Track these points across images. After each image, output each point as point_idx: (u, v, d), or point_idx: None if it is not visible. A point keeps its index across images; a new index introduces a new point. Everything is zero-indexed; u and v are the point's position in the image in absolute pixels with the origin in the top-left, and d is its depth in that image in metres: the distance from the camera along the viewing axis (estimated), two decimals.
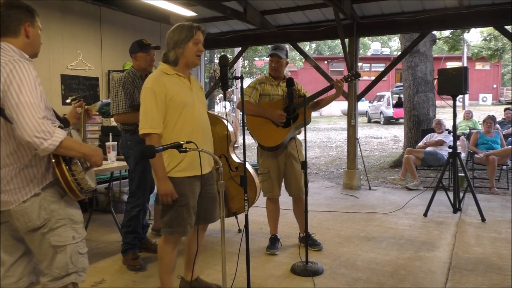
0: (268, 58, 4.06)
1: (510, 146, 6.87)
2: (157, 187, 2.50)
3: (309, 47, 36.10)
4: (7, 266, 1.92)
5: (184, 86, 2.55)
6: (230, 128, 3.94)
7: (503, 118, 9.11)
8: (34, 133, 1.66)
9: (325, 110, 24.37)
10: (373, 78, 6.43)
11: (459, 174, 5.35)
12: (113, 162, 3.74)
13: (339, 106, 24.18)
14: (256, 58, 23.65)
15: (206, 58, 14.71)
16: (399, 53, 9.44)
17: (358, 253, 3.78)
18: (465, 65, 17.15)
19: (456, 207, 5.02)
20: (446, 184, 6.23)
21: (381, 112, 20.24)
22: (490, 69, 28.24)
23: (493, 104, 25.10)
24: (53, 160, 1.82)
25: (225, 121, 3.89)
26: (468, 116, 9.41)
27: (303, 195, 3.68)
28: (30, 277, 1.98)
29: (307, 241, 3.58)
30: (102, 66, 5.79)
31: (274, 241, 3.87)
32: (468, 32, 17.89)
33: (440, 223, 4.71)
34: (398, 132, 14.85)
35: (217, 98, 20.15)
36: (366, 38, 30.10)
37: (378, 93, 21.56)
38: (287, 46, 11.35)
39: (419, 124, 8.49)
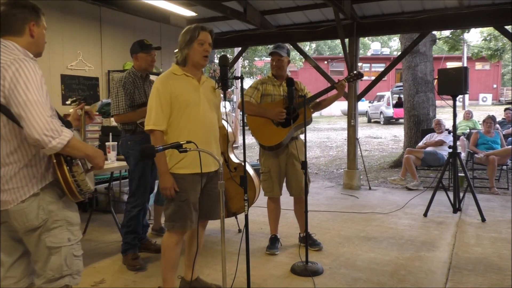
0: (268, 59, 4.06)
1: (510, 146, 6.87)
2: (159, 181, 2.60)
3: (309, 47, 36.09)
4: (7, 267, 1.91)
5: (190, 86, 2.62)
6: (229, 129, 3.94)
7: (503, 118, 9.11)
8: (43, 130, 1.65)
9: (325, 110, 24.22)
10: (373, 78, 6.44)
11: (459, 174, 5.35)
12: (113, 162, 3.74)
13: (339, 106, 24.19)
14: (256, 58, 23.63)
15: None
16: (399, 53, 9.44)
17: (358, 253, 3.78)
18: (465, 65, 17.15)
19: (456, 207, 5.02)
20: (446, 184, 6.22)
21: (381, 112, 20.25)
22: (490, 69, 28.23)
23: (493, 104, 25.10)
24: (54, 160, 1.81)
25: (224, 122, 3.89)
26: (468, 116, 9.41)
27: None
28: (30, 278, 1.97)
29: (307, 241, 3.57)
30: (102, 66, 5.78)
31: (274, 241, 3.87)
32: (468, 32, 17.90)
33: (440, 223, 4.71)
34: (398, 132, 14.85)
35: None
36: (366, 38, 30.11)
37: (378, 93, 21.56)
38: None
39: (419, 124, 8.50)
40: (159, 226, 4.35)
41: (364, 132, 16.14)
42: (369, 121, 21.75)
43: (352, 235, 4.31)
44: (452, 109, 5.03)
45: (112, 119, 4.62)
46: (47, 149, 1.70)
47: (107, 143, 3.82)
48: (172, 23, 6.78)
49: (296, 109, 3.60)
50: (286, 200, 4.02)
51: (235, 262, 2.90)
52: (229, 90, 2.69)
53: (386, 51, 33.75)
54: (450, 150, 5.06)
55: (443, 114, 15.58)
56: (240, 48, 9.18)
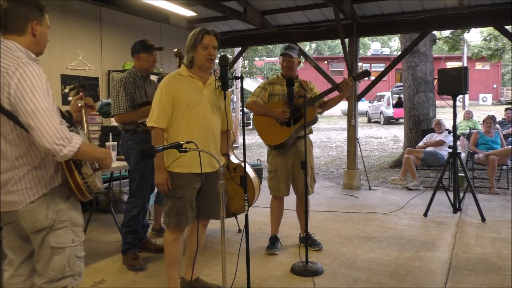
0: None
1: (510, 146, 6.87)
2: (154, 177, 2.68)
3: (309, 47, 36.10)
4: (16, 266, 1.91)
5: (194, 88, 2.67)
6: None
7: (503, 118, 9.11)
8: (54, 140, 1.64)
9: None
10: (373, 78, 6.42)
11: (459, 174, 5.35)
12: (113, 162, 3.74)
13: (339, 106, 24.11)
14: (256, 58, 23.61)
15: None
16: (399, 53, 9.44)
17: (358, 253, 3.78)
18: (465, 65, 17.17)
19: (456, 207, 5.02)
20: (446, 184, 6.22)
21: (381, 112, 20.24)
22: (490, 69, 28.23)
23: (493, 104, 25.10)
24: (64, 164, 1.80)
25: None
26: (468, 116, 9.41)
27: (308, 194, 3.74)
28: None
29: (307, 241, 3.57)
30: (102, 66, 5.78)
31: (274, 241, 3.87)
32: (468, 32, 17.90)
33: (440, 223, 4.71)
34: (398, 132, 14.85)
35: None
36: (366, 38, 30.13)
37: (378, 93, 21.56)
38: None
39: (419, 124, 8.49)
40: (159, 226, 4.35)
41: (364, 132, 16.14)
42: (369, 121, 21.75)
43: (352, 235, 4.31)
44: (452, 109, 5.03)
45: (112, 119, 4.62)
46: (58, 157, 1.69)
47: (107, 143, 3.82)
48: (172, 23, 6.77)
49: (301, 108, 3.61)
50: (286, 200, 4.02)
51: (235, 262, 2.90)
52: (229, 90, 2.69)
53: (386, 51, 33.76)
54: (450, 150, 5.06)
55: (443, 114, 15.57)
56: (240, 48, 9.18)
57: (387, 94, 20.24)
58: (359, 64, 7.09)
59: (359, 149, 6.94)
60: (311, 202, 3.92)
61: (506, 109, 9.01)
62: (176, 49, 3.77)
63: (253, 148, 11.49)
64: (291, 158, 3.75)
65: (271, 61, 24.63)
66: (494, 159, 6.35)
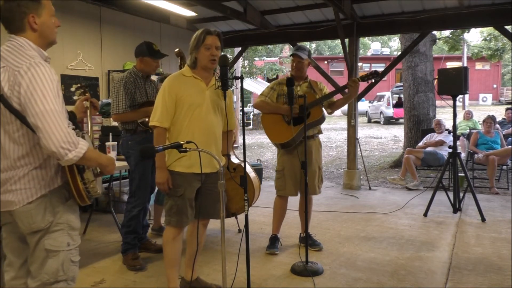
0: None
1: (510, 146, 6.86)
2: (155, 176, 2.68)
3: (309, 47, 36.07)
4: (16, 268, 1.90)
5: (197, 88, 2.69)
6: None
7: (503, 118, 9.11)
8: (60, 143, 1.62)
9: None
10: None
11: (459, 174, 5.35)
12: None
13: None
14: (256, 58, 23.62)
15: None
16: (399, 53, 9.43)
17: (358, 253, 3.78)
18: (465, 65, 17.16)
19: (456, 207, 5.02)
20: (446, 184, 6.22)
21: (381, 112, 20.24)
22: (490, 69, 28.23)
23: (493, 104, 25.10)
24: (67, 169, 1.78)
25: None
26: (468, 116, 9.40)
27: (315, 194, 3.79)
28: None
29: (307, 241, 3.57)
30: (102, 66, 5.78)
31: (274, 241, 3.87)
32: (468, 32, 17.88)
33: (440, 223, 4.71)
34: (398, 132, 14.85)
35: None
36: (366, 38, 30.12)
37: (378, 93, 21.56)
38: (286, 46, 11.29)
39: (419, 124, 8.49)
40: (158, 226, 4.35)
41: (364, 132, 16.14)
42: (369, 121, 21.74)
43: (352, 235, 4.31)
44: (452, 109, 5.03)
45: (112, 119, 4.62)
46: (63, 161, 1.68)
47: (107, 143, 3.82)
48: (172, 23, 6.77)
49: (308, 108, 3.61)
50: (287, 200, 4.02)
51: (235, 262, 2.90)
52: (229, 90, 2.69)
53: (386, 51, 33.75)
54: (450, 150, 5.06)
55: (443, 114, 15.58)
56: (240, 48, 9.18)
57: (387, 94, 20.24)
58: (359, 64, 7.10)
59: (359, 149, 6.94)
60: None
61: (507, 109, 9.00)
62: (177, 49, 3.77)
63: (253, 148, 11.49)
64: (299, 158, 3.75)
65: (271, 61, 24.65)
66: (494, 159, 6.34)
